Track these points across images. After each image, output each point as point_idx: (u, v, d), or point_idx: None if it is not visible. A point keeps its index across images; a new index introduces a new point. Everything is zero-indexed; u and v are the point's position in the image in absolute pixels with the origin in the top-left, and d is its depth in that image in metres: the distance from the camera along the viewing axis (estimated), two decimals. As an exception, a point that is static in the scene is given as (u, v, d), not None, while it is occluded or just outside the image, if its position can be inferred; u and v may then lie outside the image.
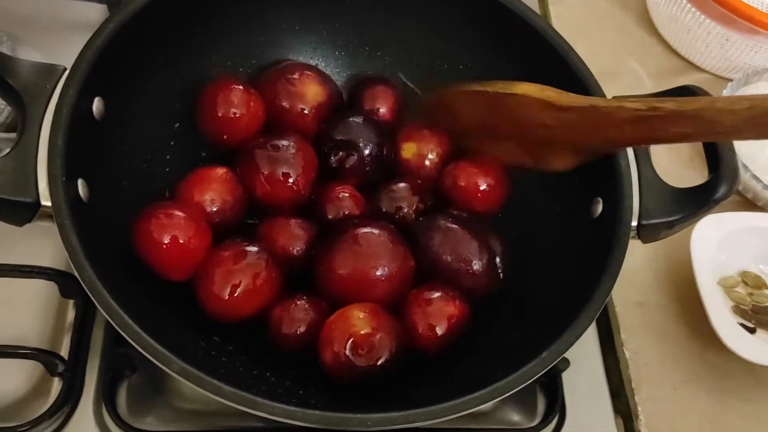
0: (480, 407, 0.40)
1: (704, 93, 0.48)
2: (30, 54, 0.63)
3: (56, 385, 0.50)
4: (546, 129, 0.45)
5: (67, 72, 0.44)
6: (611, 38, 0.77)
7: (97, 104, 0.45)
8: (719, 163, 0.46)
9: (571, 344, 0.42)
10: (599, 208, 0.49)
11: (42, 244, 0.55)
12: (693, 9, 0.70)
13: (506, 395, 0.40)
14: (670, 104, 0.40)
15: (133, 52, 0.47)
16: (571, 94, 0.45)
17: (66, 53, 0.53)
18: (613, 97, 0.46)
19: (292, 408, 0.38)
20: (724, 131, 0.39)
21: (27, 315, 0.53)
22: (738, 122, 0.38)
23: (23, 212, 0.41)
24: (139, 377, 0.52)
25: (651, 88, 0.73)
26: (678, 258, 0.62)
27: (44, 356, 0.50)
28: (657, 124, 0.41)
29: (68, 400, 0.50)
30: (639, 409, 0.56)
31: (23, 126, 0.42)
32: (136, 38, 0.47)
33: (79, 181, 0.43)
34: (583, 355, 0.57)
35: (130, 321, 0.38)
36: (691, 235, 0.58)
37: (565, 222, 0.52)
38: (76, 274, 0.39)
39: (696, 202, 0.46)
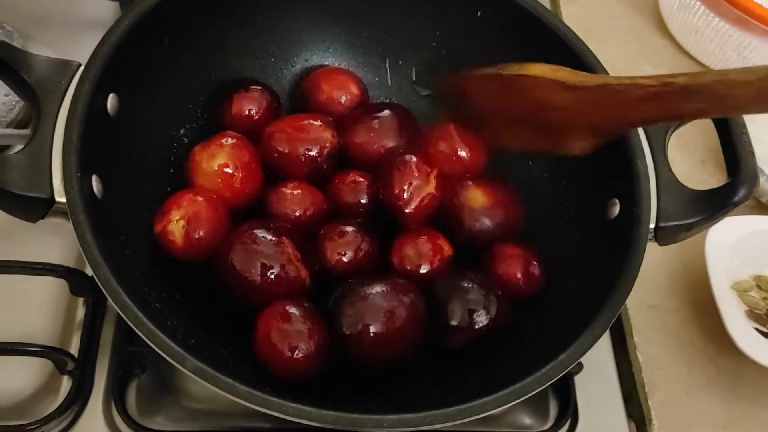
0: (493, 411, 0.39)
1: None
2: (40, 51, 0.62)
3: (66, 383, 0.50)
4: (560, 111, 0.45)
5: (81, 68, 0.43)
6: (624, 40, 0.76)
7: (111, 100, 0.45)
8: (738, 166, 0.45)
9: (590, 347, 0.41)
10: (616, 209, 0.48)
11: (51, 241, 0.55)
12: (707, 11, 0.69)
13: (523, 398, 0.39)
14: (681, 79, 0.39)
15: (147, 49, 0.47)
16: (584, 73, 0.44)
17: (77, 50, 0.53)
18: (626, 76, 0.45)
19: (306, 408, 0.37)
20: (738, 105, 0.38)
21: (37, 312, 0.53)
22: (752, 94, 0.37)
23: (37, 208, 0.40)
24: (148, 376, 0.52)
25: (664, 90, 0.73)
26: (692, 261, 0.61)
27: (54, 354, 0.49)
28: (670, 100, 0.40)
29: (78, 399, 0.49)
30: (652, 413, 0.55)
31: (37, 122, 0.42)
32: (151, 35, 0.47)
33: (93, 178, 0.42)
34: (596, 359, 0.56)
35: (145, 318, 0.38)
36: (706, 239, 0.58)
37: (581, 224, 0.51)
38: (91, 270, 0.39)
39: (714, 204, 0.46)
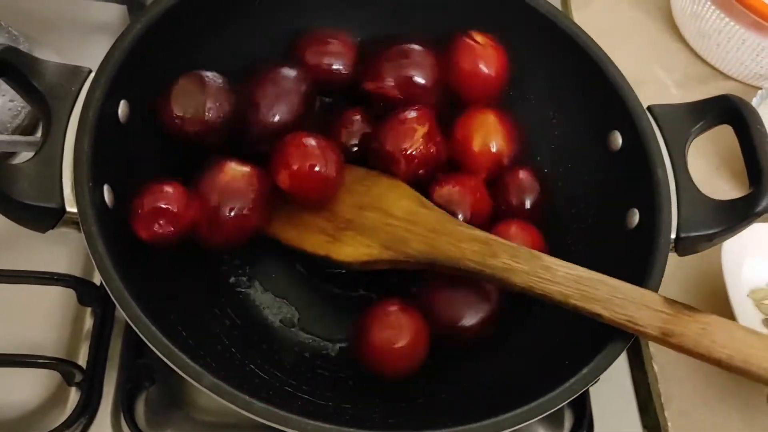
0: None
1: (743, 103, 0.47)
2: (47, 56, 0.60)
3: (73, 395, 0.49)
4: (385, 218, 0.47)
5: (92, 74, 0.42)
6: (636, 45, 0.75)
7: (122, 107, 0.44)
8: (761, 175, 0.45)
9: (613, 360, 0.41)
10: (636, 219, 0.47)
11: (59, 250, 0.54)
12: (721, 15, 0.68)
13: (545, 414, 0.39)
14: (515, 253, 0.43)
15: (159, 54, 0.46)
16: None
17: (84, 55, 0.52)
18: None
19: (326, 425, 0.36)
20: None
21: (44, 323, 0.52)
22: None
23: (48, 218, 0.40)
24: (157, 388, 0.51)
25: (677, 95, 0.72)
26: (707, 269, 0.60)
27: (62, 365, 0.49)
28: (492, 249, 0.43)
29: (86, 411, 0.48)
30: (669, 424, 0.54)
31: (47, 129, 0.41)
32: (163, 40, 0.46)
33: (105, 187, 0.41)
34: (611, 369, 0.54)
35: (158, 332, 0.37)
36: (722, 246, 0.57)
37: (599, 233, 0.50)
38: (103, 282, 0.38)
39: (737, 214, 0.45)
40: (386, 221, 0.47)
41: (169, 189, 0.43)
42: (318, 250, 0.47)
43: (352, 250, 0.46)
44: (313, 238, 0.48)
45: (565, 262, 0.42)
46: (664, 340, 0.40)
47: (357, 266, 0.46)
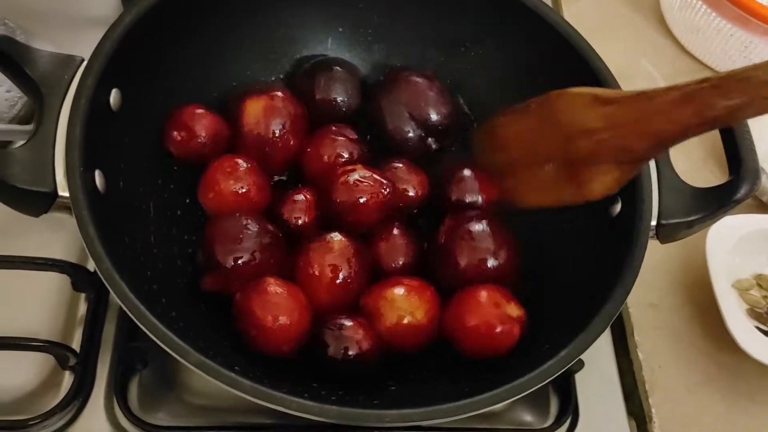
0: (493, 407, 0.39)
1: None
2: (42, 47, 0.61)
3: (67, 378, 0.50)
4: (591, 135, 0.44)
5: (85, 63, 0.43)
6: (624, 39, 0.76)
7: (114, 95, 0.45)
8: (740, 164, 0.46)
9: (591, 343, 0.41)
10: (617, 207, 0.48)
11: (53, 236, 0.55)
12: (709, 11, 0.69)
13: (523, 394, 0.39)
14: (714, 77, 0.39)
15: (150, 44, 0.47)
16: (616, 90, 0.45)
17: (79, 46, 0.52)
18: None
19: (309, 402, 0.37)
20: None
21: (38, 308, 0.53)
22: None
23: (40, 202, 0.40)
24: (150, 371, 0.51)
25: (665, 90, 0.73)
26: (692, 260, 0.61)
27: (56, 349, 0.49)
28: (705, 100, 0.39)
29: (79, 394, 0.49)
30: (653, 411, 0.55)
31: (40, 116, 0.42)
32: (154, 30, 0.47)
33: (96, 173, 0.42)
34: (597, 357, 0.56)
35: (147, 312, 0.38)
36: (707, 237, 0.58)
37: (583, 221, 0.51)
38: (94, 265, 0.39)
39: (716, 201, 0.46)
40: (597, 138, 0.44)
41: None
42: (577, 199, 0.46)
43: (599, 185, 0.45)
44: (563, 193, 0.47)
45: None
46: None
47: (615, 190, 0.45)
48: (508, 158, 0.52)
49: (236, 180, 0.49)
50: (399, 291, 0.47)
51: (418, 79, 0.55)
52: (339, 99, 0.55)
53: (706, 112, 0.39)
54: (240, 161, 0.50)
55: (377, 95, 0.56)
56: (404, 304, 0.46)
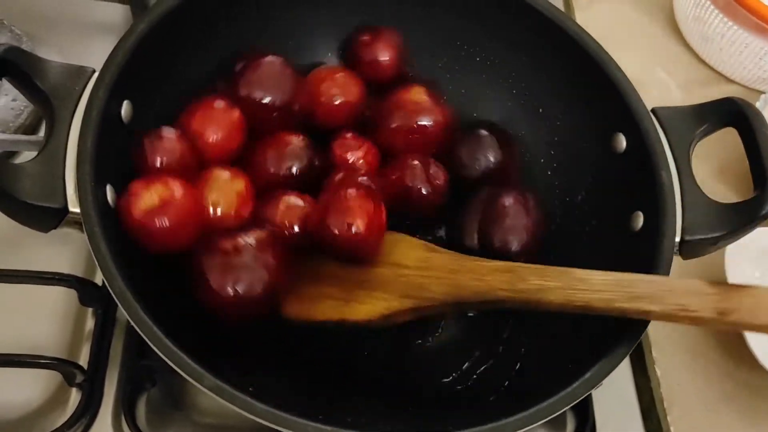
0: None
1: (748, 106, 0.47)
2: (50, 55, 0.60)
3: (75, 395, 0.49)
4: (398, 269, 0.45)
5: (96, 74, 0.42)
6: (638, 48, 0.75)
7: (125, 107, 0.44)
8: (765, 178, 0.44)
9: (616, 365, 0.40)
10: (640, 221, 0.47)
11: (61, 250, 0.54)
12: (724, 19, 0.68)
13: (548, 419, 0.38)
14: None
15: (162, 54, 0.46)
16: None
17: (87, 54, 0.52)
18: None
19: (327, 427, 0.36)
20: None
21: (45, 322, 0.52)
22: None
23: (50, 218, 0.39)
24: (159, 390, 0.51)
25: (679, 98, 0.72)
26: (711, 273, 0.60)
27: (63, 366, 0.48)
28: (523, 273, 0.42)
29: (87, 412, 0.48)
30: (671, 429, 0.54)
31: (51, 129, 0.41)
32: (166, 40, 0.46)
33: (108, 187, 0.41)
34: (614, 374, 0.54)
35: (161, 333, 0.36)
36: (726, 250, 0.57)
37: (603, 236, 0.50)
38: (101, 279, 0.37)
39: (741, 218, 0.45)
40: (399, 273, 0.45)
41: None
42: (331, 316, 0.45)
43: (368, 307, 0.44)
44: (323, 307, 0.45)
45: (595, 270, 0.41)
46: (722, 320, 0.38)
47: (377, 322, 0.44)
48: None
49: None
50: None
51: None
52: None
53: (517, 282, 0.41)
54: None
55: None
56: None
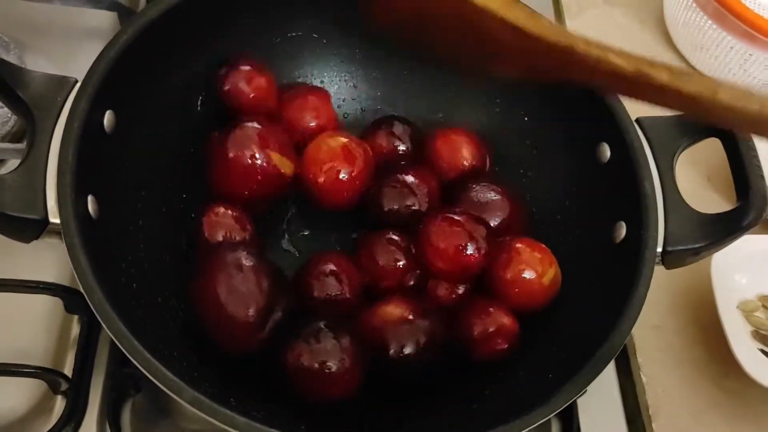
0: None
1: None
2: (37, 61, 0.62)
3: (59, 403, 0.49)
4: (500, 45, 0.39)
5: (78, 84, 0.42)
6: (628, 53, 0.75)
7: (108, 117, 0.44)
8: (748, 189, 0.45)
9: (597, 375, 0.40)
10: (622, 232, 0.47)
11: (46, 258, 0.53)
12: (714, 26, 0.68)
13: (532, 427, 0.38)
14: (664, 75, 0.34)
15: (145, 64, 0.46)
16: (545, 21, 0.38)
17: (74, 61, 0.52)
18: (596, 44, 0.37)
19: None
20: (719, 121, 0.36)
21: (30, 330, 0.52)
22: (739, 120, 0.34)
23: (31, 229, 0.39)
24: (144, 397, 0.51)
25: (669, 105, 0.72)
26: (696, 281, 0.60)
27: (47, 375, 0.48)
28: (642, 89, 0.36)
29: (71, 420, 0.48)
30: (657, 436, 0.54)
31: (32, 140, 0.41)
32: (150, 49, 0.46)
33: (89, 198, 0.41)
34: (599, 380, 0.54)
35: (140, 346, 0.37)
36: (711, 258, 0.57)
37: (586, 246, 0.50)
38: (85, 295, 0.37)
39: (723, 228, 0.45)
40: (498, 49, 0.38)
41: None
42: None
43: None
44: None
45: None
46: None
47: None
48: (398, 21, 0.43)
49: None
50: None
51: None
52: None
53: (638, 95, 0.36)
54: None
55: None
56: None
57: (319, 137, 0.52)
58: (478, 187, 0.53)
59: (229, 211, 0.48)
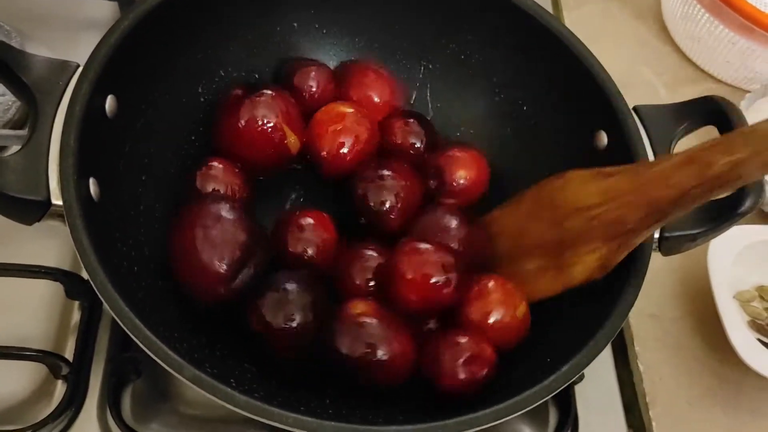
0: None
1: (727, 104, 0.47)
2: (39, 51, 0.60)
3: (60, 387, 0.49)
4: (586, 212, 0.42)
5: (80, 69, 0.43)
6: (626, 47, 0.76)
7: (110, 102, 0.44)
8: (744, 176, 0.45)
9: (593, 358, 0.41)
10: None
11: (47, 243, 0.54)
12: (711, 18, 0.69)
13: (524, 410, 0.39)
14: (720, 162, 0.37)
15: (147, 50, 0.47)
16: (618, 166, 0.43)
17: (75, 50, 0.52)
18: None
19: (307, 418, 0.36)
20: None
21: (31, 315, 0.52)
22: None
23: (33, 211, 0.40)
24: (144, 381, 0.51)
25: (666, 97, 0.73)
26: (694, 270, 0.61)
27: (48, 358, 0.49)
28: (706, 158, 0.37)
29: (72, 404, 0.49)
30: (653, 424, 0.55)
31: (35, 123, 0.41)
32: (151, 35, 0.46)
33: (91, 180, 0.42)
34: (597, 368, 0.56)
35: (142, 325, 0.37)
36: (708, 248, 0.57)
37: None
38: (87, 276, 0.38)
39: (720, 215, 0.45)
40: (589, 216, 0.42)
41: None
42: (554, 288, 0.45)
43: (581, 267, 0.43)
44: (542, 283, 0.45)
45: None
46: None
47: (598, 275, 0.43)
48: (497, 252, 0.50)
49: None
50: None
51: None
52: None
53: (705, 171, 0.37)
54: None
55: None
56: None
57: (328, 105, 0.54)
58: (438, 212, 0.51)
59: (223, 166, 0.49)
